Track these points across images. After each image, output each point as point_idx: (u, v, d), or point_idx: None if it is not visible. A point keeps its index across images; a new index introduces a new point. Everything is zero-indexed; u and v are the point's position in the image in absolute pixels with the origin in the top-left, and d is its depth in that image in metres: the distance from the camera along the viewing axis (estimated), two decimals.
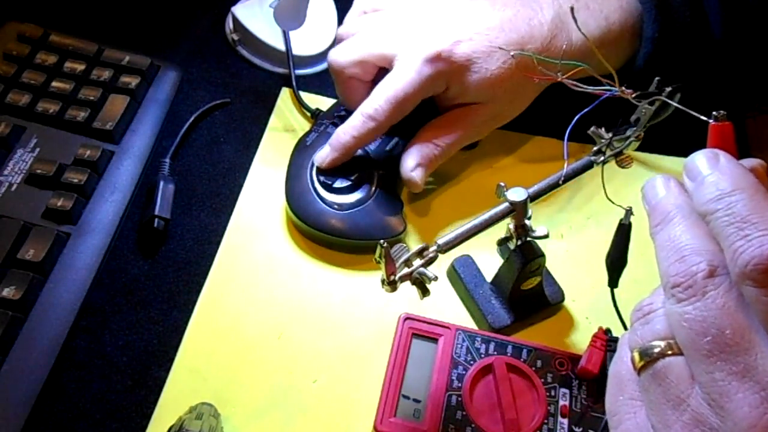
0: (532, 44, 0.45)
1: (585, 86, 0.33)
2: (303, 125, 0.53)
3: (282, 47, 0.56)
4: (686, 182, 0.30)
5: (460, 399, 0.38)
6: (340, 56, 0.48)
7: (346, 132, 0.46)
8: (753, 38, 0.50)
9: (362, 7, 0.51)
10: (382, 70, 0.47)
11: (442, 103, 0.48)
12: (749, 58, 0.51)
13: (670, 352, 0.28)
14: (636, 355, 0.29)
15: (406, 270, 0.34)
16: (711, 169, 0.29)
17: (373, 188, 0.47)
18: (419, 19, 0.47)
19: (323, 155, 0.47)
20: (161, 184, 0.48)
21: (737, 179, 0.28)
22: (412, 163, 0.46)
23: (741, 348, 0.25)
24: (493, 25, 0.46)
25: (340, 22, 0.60)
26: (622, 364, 0.31)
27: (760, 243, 0.25)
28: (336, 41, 0.51)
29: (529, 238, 0.39)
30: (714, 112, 0.30)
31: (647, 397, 0.29)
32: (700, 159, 0.29)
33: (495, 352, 0.40)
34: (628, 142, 0.40)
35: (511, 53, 0.43)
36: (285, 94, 0.55)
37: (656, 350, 0.28)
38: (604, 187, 0.36)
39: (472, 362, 0.40)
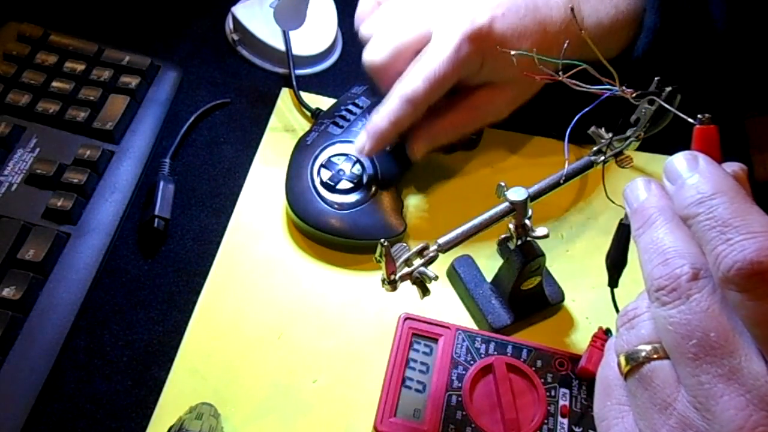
0: (551, 26, 0.44)
1: (585, 85, 0.33)
2: (303, 125, 0.53)
3: (282, 47, 0.56)
4: (666, 184, 0.30)
5: (460, 399, 0.38)
6: (374, 55, 0.44)
7: (383, 117, 0.43)
8: (756, 32, 0.49)
9: None
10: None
11: (468, 81, 0.45)
12: (751, 53, 0.50)
13: (656, 356, 0.28)
14: (622, 360, 0.29)
15: (406, 269, 0.34)
16: (691, 171, 0.28)
17: (374, 188, 0.47)
18: None
19: (361, 144, 0.44)
20: (161, 184, 0.48)
21: (718, 182, 0.27)
22: (418, 142, 0.45)
23: (726, 351, 0.25)
24: (519, 1, 0.44)
25: (340, 22, 0.60)
26: (609, 370, 0.31)
27: (742, 247, 0.25)
28: (362, 42, 0.47)
29: (529, 238, 0.39)
30: (699, 115, 0.30)
31: (634, 402, 0.29)
32: (679, 161, 0.29)
33: (495, 352, 0.40)
34: (628, 142, 0.40)
35: (512, 53, 0.43)
36: (285, 94, 0.55)
37: (642, 354, 0.28)
38: (604, 187, 0.36)
39: (472, 362, 0.40)
